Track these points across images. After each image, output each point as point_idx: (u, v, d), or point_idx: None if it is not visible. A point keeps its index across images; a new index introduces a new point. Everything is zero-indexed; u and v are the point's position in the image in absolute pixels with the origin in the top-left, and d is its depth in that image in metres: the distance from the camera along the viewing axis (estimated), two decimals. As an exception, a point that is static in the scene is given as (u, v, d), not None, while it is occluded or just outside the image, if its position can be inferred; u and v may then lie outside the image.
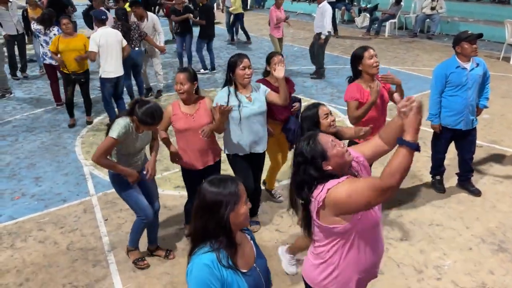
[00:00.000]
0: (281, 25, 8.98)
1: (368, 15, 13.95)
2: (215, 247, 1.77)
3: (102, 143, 3.26)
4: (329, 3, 12.22)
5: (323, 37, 8.54)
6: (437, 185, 4.81)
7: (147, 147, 3.64)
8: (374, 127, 3.47)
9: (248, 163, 3.85)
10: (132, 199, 3.51)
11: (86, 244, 4.05)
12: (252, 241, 2.01)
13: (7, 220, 4.45)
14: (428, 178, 4.97)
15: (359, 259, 2.12)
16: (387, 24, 12.96)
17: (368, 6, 14.48)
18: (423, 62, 9.96)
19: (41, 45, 7.17)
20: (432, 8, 12.28)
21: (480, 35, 4.16)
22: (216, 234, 1.78)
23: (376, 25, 13.04)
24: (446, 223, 4.23)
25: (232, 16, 12.46)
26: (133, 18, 7.51)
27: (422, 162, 5.38)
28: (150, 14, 7.75)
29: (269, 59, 4.02)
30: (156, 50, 7.68)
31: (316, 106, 3.11)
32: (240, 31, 12.72)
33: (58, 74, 7.13)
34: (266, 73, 4.16)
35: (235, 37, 12.79)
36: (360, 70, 3.76)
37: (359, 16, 14.52)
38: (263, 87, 3.81)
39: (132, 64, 7.13)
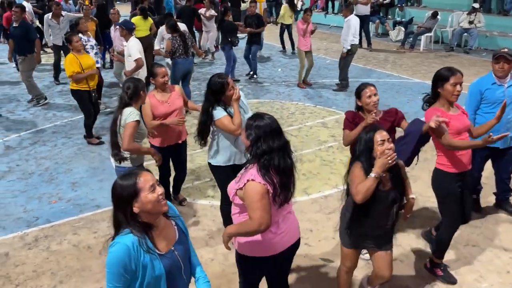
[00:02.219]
0: (308, 38, 8.96)
1: (402, 28, 13.78)
2: (134, 231, 2.01)
3: (125, 131, 3.61)
4: (364, 16, 12.34)
5: (344, 50, 8.53)
6: (473, 205, 4.66)
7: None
8: None
9: (232, 174, 3.49)
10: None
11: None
12: (176, 227, 2.22)
13: (45, 223, 4.60)
14: (464, 196, 4.82)
15: None
16: (423, 37, 12.75)
17: (403, 19, 14.32)
18: (460, 77, 9.72)
19: (87, 51, 7.42)
20: (470, 22, 12.01)
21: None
22: (127, 222, 2.02)
23: (411, 38, 12.85)
24: (483, 244, 4.09)
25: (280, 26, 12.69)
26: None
27: (458, 180, 5.23)
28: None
29: (359, 93, 3.69)
30: None
31: (374, 130, 2.80)
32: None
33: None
34: (358, 107, 3.80)
35: (286, 47, 12.93)
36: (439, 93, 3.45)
37: (393, 29, 14.37)
38: (243, 98, 3.77)
39: (187, 73, 7.42)
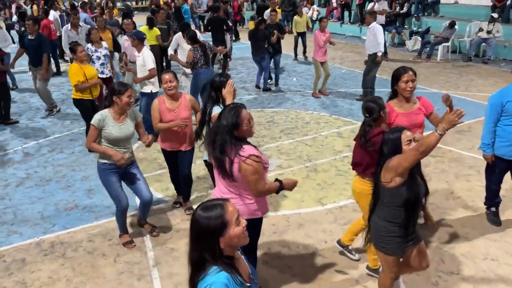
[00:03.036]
0: (325, 49, 8.97)
1: (419, 38, 13.68)
2: (224, 268, 1.83)
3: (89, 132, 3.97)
4: (380, 25, 12.27)
5: (379, 54, 8.48)
6: (492, 217, 4.56)
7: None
8: None
9: None
10: (112, 188, 4.08)
11: (132, 258, 4.15)
12: (242, 255, 2.10)
13: (61, 230, 4.65)
14: (482, 209, 4.73)
15: None
16: (440, 47, 12.64)
17: (420, 29, 14.22)
18: (478, 87, 9.60)
19: (93, 61, 7.53)
20: (488, 32, 11.87)
21: None
22: (214, 260, 1.83)
23: (428, 48, 12.75)
24: (502, 258, 3.99)
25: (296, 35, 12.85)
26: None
27: (476, 192, 5.14)
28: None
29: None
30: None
31: (400, 130, 2.89)
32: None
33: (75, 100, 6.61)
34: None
35: (298, 56, 13.07)
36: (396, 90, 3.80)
37: (410, 39, 14.27)
38: None
39: (207, 83, 7.36)
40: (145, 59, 6.48)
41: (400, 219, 2.91)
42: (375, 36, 8.46)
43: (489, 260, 3.96)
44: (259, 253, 4.13)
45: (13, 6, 17.28)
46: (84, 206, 5.12)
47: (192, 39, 7.26)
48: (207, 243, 1.84)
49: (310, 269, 3.91)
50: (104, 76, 7.47)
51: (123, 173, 4.13)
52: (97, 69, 7.49)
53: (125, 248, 4.29)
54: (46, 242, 4.44)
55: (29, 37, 8.06)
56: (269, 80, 10.01)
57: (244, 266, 2.01)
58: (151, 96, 6.58)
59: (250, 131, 2.94)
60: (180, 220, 4.74)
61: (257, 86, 9.98)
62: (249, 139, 2.98)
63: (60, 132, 7.55)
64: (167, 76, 4.37)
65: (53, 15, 12.36)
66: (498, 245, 4.19)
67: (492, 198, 4.56)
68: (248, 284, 1.94)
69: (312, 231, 4.49)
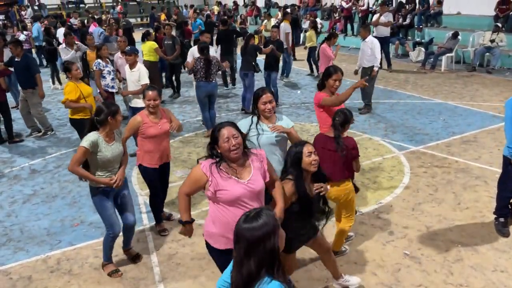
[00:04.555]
0: (331, 63, 8.98)
1: (423, 49, 13.71)
2: (277, 277, 1.80)
3: (75, 154, 3.71)
4: (384, 37, 12.35)
5: (376, 69, 8.49)
6: (501, 228, 4.51)
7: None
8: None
9: None
10: (105, 213, 3.91)
11: (138, 274, 4.13)
12: None
13: (67, 246, 4.65)
14: (490, 219, 4.69)
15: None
16: (444, 58, 12.65)
17: (423, 40, 14.25)
18: (483, 97, 9.57)
19: (104, 76, 7.64)
20: (492, 41, 11.87)
21: None
22: (275, 272, 1.81)
23: (432, 59, 12.76)
24: (512, 269, 3.94)
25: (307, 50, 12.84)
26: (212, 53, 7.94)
27: (483, 203, 5.10)
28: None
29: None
30: None
31: (302, 144, 3.22)
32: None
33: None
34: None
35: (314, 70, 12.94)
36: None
37: (413, 50, 14.31)
38: (287, 121, 3.89)
39: (210, 96, 7.59)
40: (141, 74, 6.60)
41: (305, 221, 3.32)
42: (373, 50, 8.47)
43: (498, 272, 3.91)
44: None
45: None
46: (90, 222, 5.12)
47: (200, 49, 7.42)
48: (266, 256, 1.82)
49: (316, 283, 3.88)
50: (114, 90, 7.72)
51: (115, 195, 4.02)
52: (107, 84, 7.67)
53: (131, 264, 4.27)
54: (52, 259, 4.44)
55: (16, 59, 7.89)
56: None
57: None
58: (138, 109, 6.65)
59: (228, 149, 2.75)
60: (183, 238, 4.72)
61: (243, 109, 9.19)
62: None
63: (66, 148, 7.60)
64: (151, 94, 4.31)
65: (59, 32, 12.70)
66: (507, 256, 4.13)
67: (502, 208, 4.52)
68: None
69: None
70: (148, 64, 9.91)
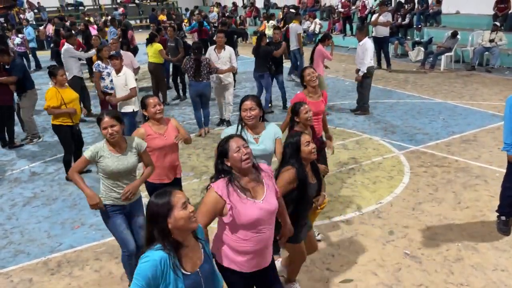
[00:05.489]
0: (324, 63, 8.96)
1: (422, 48, 13.72)
2: (166, 247, 2.14)
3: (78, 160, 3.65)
4: (383, 37, 12.35)
5: (361, 74, 8.39)
6: (502, 226, 4.51)
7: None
8: None
9: None
10: (117, 232, 3.66)
11: (139, 275, 4.13)
12: (203, 250, 2.35)
13: (67, 248, 4.65)
14: (491, 219, 4.69)
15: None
16: (443, 57, 12.64)
17: (422, 40, 14.26)
18: (483, 96, 9.57)
19: (103, 78, 7.69)
20: (491, 41, 11.88)
21: None
22: (161, 238, 2.15)
23: (431, 58, 12.76)
24: (513, 268, 3.94)
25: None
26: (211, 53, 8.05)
27: (484, 202, 5.10)
28: (227, 47, 8.19)
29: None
30: (229, 82, 8.17)
31: (298, 134, 3.27)
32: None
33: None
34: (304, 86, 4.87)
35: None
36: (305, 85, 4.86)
37: (413, 49, 14.31)
38: (275, 129, 3.80)
39: (200, 95, 7.69)
40: (128, 78, 6.57)
41: (303, 212, 3.37)
42: (364, 54, 8.33)
43: (499, 271, 3.91)
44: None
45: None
46: (91, 224, 5.12)
47: (193, 49, 7.65)
48: (156, 223, 2.16)
49: (317, 283, 3.88)
50: (113, 92, 7.66)
51: (128, 212, 3.73)
52: (106, 85, 7.73)
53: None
54: (53, 261, 4.45)
55: (6, 67, 7.80)
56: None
57: (195, 258, 2.28)
58: (133, 115, 6.68)
59: (240, 159, 2.62)
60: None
61: None
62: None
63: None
64: (152, 100, 4.06)
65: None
66: (508, 255, 4.13)
67: (505, 207, 4.51)
68: (187, 272, 2.20)
69: (318, 244, 4.45)
70: (153, 66, 10.02)
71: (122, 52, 8.32)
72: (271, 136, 3.75)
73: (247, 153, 2.64)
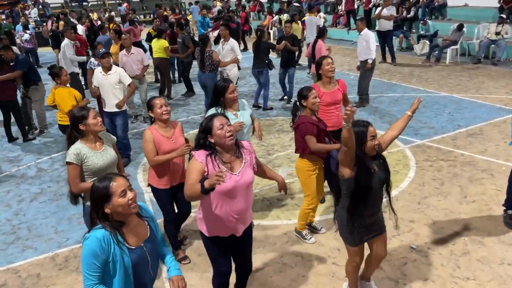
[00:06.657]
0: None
1: (427, 42, 13.62)
2: (105, 227, 2.27)
3: (67, 174, 3.51)
4: (387, 30, 12.27)
5: (370, 61, 8.44)
6: (508, 220, 4.50)
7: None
8: None
9: None
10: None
11: (146, 270, 4.15)
12: (149, 226, 2.48)
13: (74, 244, 4.69)
14: (497, 212, 4.67)
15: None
16: (448, 50, 12.56)
17: (427, 33, 14.16)
18: (489, 90, 9.50)
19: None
20: (497, 33, 11.78)
21: None
22: (99, 220, 2.30)
23: (437, 52, 12.68)
24: (519, 262, 3.93)
25: None
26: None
27: (490, 196, 5.08)
28: (231, 39, 8.34)
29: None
30: (234, 75, 8.35)
31: (366, 125, 3.06)
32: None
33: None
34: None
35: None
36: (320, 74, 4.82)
37: (418, 43, 14.22)
38: (247, 104, 4.44)
39: (204, 85, 8.09)
40: (122, 75, 6.41)
41: (358, 207, 3.10)
42: (368, 43, 8.41)
43: (505, 265, 3.90)
44: (272, 262, 4.13)
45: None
46: (97, 219, 5.15)
47: (199, 41, 8.06)
48: (95, 207, 2.32)
49: (323, 278, 3.89)
50: None
51: None
52: None
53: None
54: (60, 257, 4.48)
55: (11, 64, 7.87)
56: (285, 97, 9.56)
57: (140, 233, 2.40)
58: (126, 114, 6.60)
59: (223, 136, 2.80)
60: (193, 232, 4.75)
61: (255, 105, 9.10)
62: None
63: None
64: (158, 101, 3.84)
65: (79, 29, 13.35)
66: (514, 249, 4.12)
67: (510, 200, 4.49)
68: (131, 247, 2.33)
69: (324, 239, 4.47)
70: (159, 60, 10.04)
71: (134, 49, 8.30)
72: (247, 110, 4.37)
73: (230, 130, 2.85)
